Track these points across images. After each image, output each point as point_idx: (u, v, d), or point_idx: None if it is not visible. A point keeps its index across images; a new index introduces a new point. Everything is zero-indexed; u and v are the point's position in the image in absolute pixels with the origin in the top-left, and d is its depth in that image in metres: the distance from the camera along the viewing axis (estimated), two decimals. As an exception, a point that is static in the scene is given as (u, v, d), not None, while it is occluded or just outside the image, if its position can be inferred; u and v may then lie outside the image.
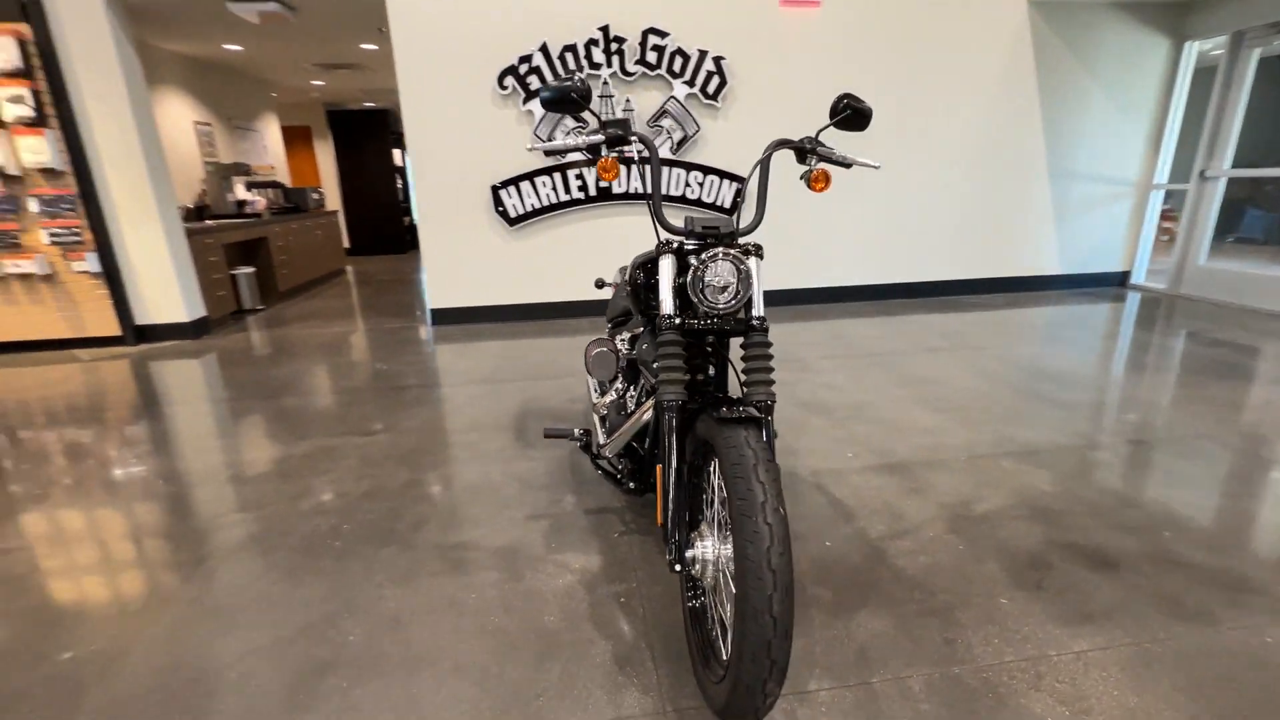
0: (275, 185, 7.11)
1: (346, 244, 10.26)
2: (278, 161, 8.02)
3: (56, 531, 2.11)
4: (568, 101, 1.53)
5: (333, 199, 10.01)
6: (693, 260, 1.45)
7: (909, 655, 1.48)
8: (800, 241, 5.27)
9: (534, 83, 4.54)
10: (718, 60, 4.66)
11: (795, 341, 4.25)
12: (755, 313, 1.50)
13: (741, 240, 1.62)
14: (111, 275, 4.46)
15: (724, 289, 1.44)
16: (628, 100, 4.66)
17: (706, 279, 1.44)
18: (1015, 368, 3.58)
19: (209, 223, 5.50)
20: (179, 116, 5.97)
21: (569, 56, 4.52)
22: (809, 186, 1.68)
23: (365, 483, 2.41)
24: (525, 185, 4.76)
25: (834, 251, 5.36)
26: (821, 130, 1.84)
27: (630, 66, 4.58)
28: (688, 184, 4.93)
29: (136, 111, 4.26)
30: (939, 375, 3.49)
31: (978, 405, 3.04)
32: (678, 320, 1.47)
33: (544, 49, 4.47)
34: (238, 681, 1.45)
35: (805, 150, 1.70)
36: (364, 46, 5.94)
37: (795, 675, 1.42)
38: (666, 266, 1.49)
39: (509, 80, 4.51)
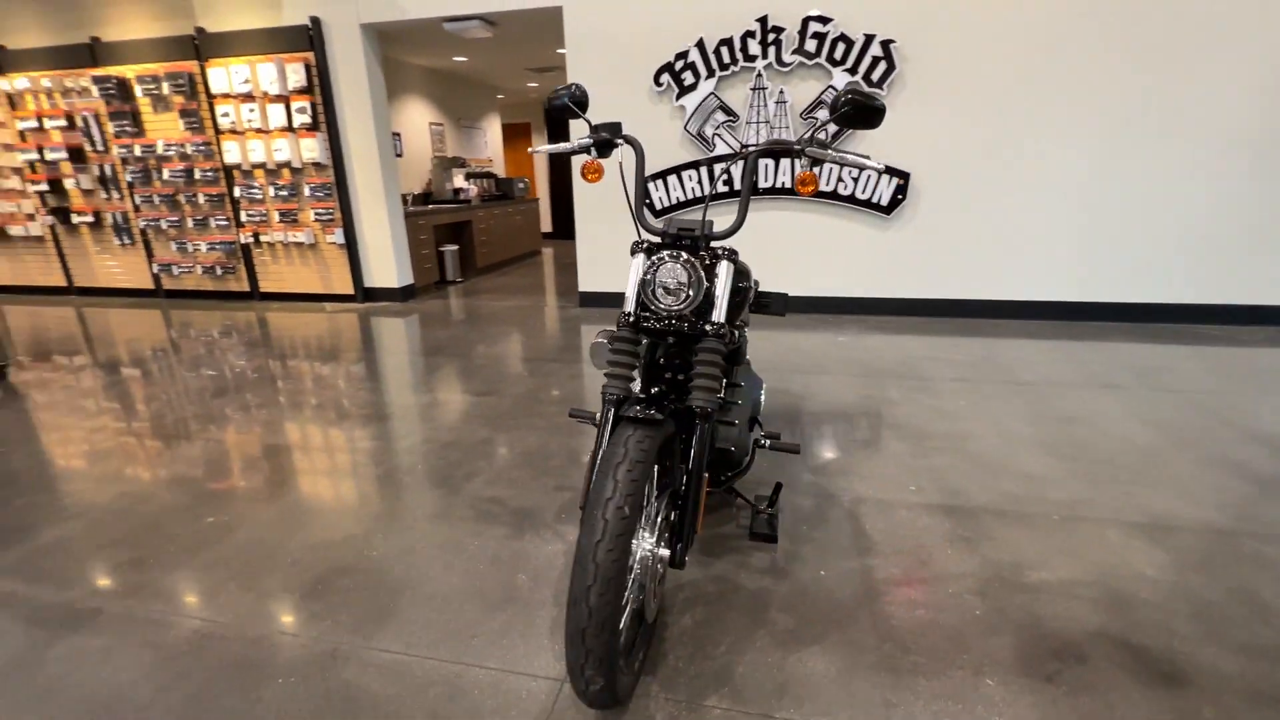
0: (489, 175, 8.27)
1: (549, 228, 11.46)
2: (496, 155, 9.28)
3: (266, 423, 2.88)
4: (566, 108, 1.65)
5: (543, 188, 11.24)
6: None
7: (833, 704, 1.37)
8: (969, 247, 4.62)
9: (688, 79, 4.65)
10: (886, 45, 4.28)
11: (929, 357, 3.80)
12: (714, 318, 1.49)
13: (716, 244, 1.59)
14: (351, 247, 5.68)
15: (673, 291, 1.46)
16: (781, 92, 4.53)
17: (656, 280, 1.47)
18: (1212, 420, 2.79)
19: (425, 207, 6.66)
20: (418, 118, 7.28)
21: (724, 50, 4.53)
22: (795, 189, 1.58)
23: (453, 434, 2.83)
24: (671, 179, 4.91)
25: (1014, 261, 4.60)
26: (818, 128, 1.70)
27: (787, 57, 4.44)
28: (840, 179, 4.64)
29: (376, 118, 5.33)
30: (1092, 416, 2.87)
31: (1122, 460, 2.46)
32: (632, 319, 1.52)
33: (700, 44, 4.54)
34: (288, 566, 1.89)
35: (794, 152, 1.60)
36: (560, 51, 6.59)
37: (703, 687, 1.41)
38: (635, 266, 1.55)
39: (664, 77, 4.68)
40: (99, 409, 3.25)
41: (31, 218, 6.28)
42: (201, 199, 5.75)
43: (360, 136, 5.37)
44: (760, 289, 3.05)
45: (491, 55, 6.76)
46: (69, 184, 5.99)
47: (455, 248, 6.86)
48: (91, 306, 5.98)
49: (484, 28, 5.19)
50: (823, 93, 4.46)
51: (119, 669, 1.51)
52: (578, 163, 5.08)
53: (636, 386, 1.70)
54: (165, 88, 5.45)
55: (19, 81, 5.78)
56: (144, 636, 1.62)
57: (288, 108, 5.29)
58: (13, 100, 5.89)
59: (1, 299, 6.51)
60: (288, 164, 5.46)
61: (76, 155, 5.91)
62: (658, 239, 1.57)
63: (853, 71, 4.38)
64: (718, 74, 4.59)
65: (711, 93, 4.64)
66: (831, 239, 4.83)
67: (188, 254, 6.01)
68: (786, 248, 4.92)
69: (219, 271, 5.98)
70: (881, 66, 4.34)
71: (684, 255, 1.47)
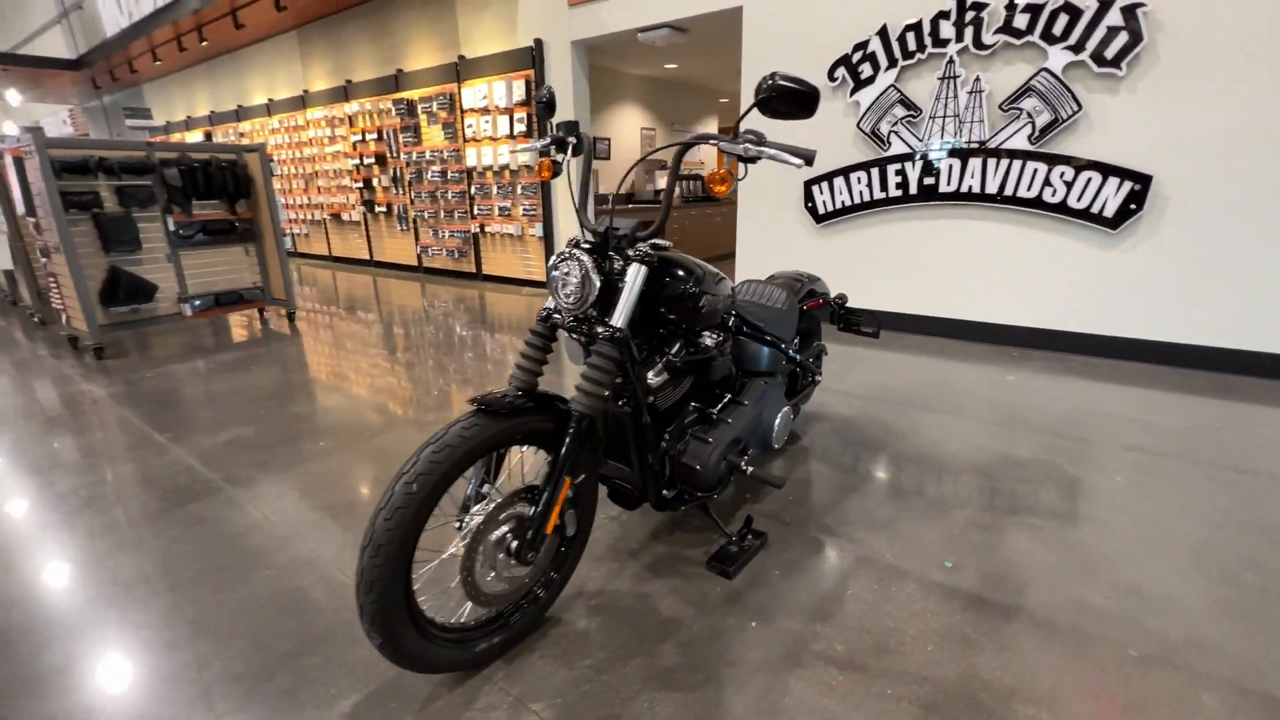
0: (695, 177, 8.53)
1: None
2: (708, 157, 9.49)
3: (456, 371, 3.55)
4: (542, 112, 1.72)
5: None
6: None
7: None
8: (1238, 278, 3.35)
9: (865, 71, 4.22)
10: (1131, 10, 3.32)
11: (1119, 415, 2.90)
12: (611, 320, 1.45)
13: (643, 246, 1.52)
14: (547, 239, 6.43)
15: (568, 288, 1.46)
16: (977, 80, 3.83)
17: (555, 275, 1.48)
18: None
19: (625, 206, 7.16)
20: (630, 123, 7.84)
21: (910, 37, 4.00)
22: (707, 189, 1.43)
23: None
24: (839, 181, 4.52)
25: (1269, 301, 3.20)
26: (741, 117, 1.48)
27: (988, 38, 3.74)
28: (1047, 182, 3.75)
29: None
30: (1332, 538, 1.93)
31: (1332, 607, 1.63)
32: (544, 314, 1.55)
33: (882, 32, 4.08)
34: (355, 488, 2.34)
35: (705, 143, 1.45)
36: (767, 51, 6.48)
37: (541, 691, 1.40)
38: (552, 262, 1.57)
39: (839, 71, 4.32)
40: (350, 348, 4.31)
41: (354, 208, 8.43)
42: (450, 195, 7.07)
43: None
44: (847, 305, 2.71)
45: (699, 60, 6.95)
46: (375, 183, 7.90)
47: (645, 245, 7.27)
48: (380, 276, 7.82)
49: (674, 34, 5.39)
50: (1033, 77, 3.65)
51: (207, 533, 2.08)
52: (817, 159, 4.95)
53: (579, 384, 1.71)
54: (435, 106, 6.82)
55: (352, 106, 7.80)
56: (224, 516, 2.18)
57: (510, 119, 6.20)
58: (351, 120, 7.97)
59: (332, 266, 8.88)
60: (506, 166, 6.41)
61: (381, 161, 7.76)
62: (579, 237, 1.57)
63: (1077, 49, 3.50)
64: (900, 64, 4.08)
65: (891, 85, 4.14)
66: (1030, 257, 3.95)
67: (439, 239, 7.45)
68: (967, 264, 4.17)
69: (456, 255, 7.29)
70: (1120, 39, 3.39)
71: (576, 253, 1.45)
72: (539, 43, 5.84)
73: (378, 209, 8.04)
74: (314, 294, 6.68)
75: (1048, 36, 3.58)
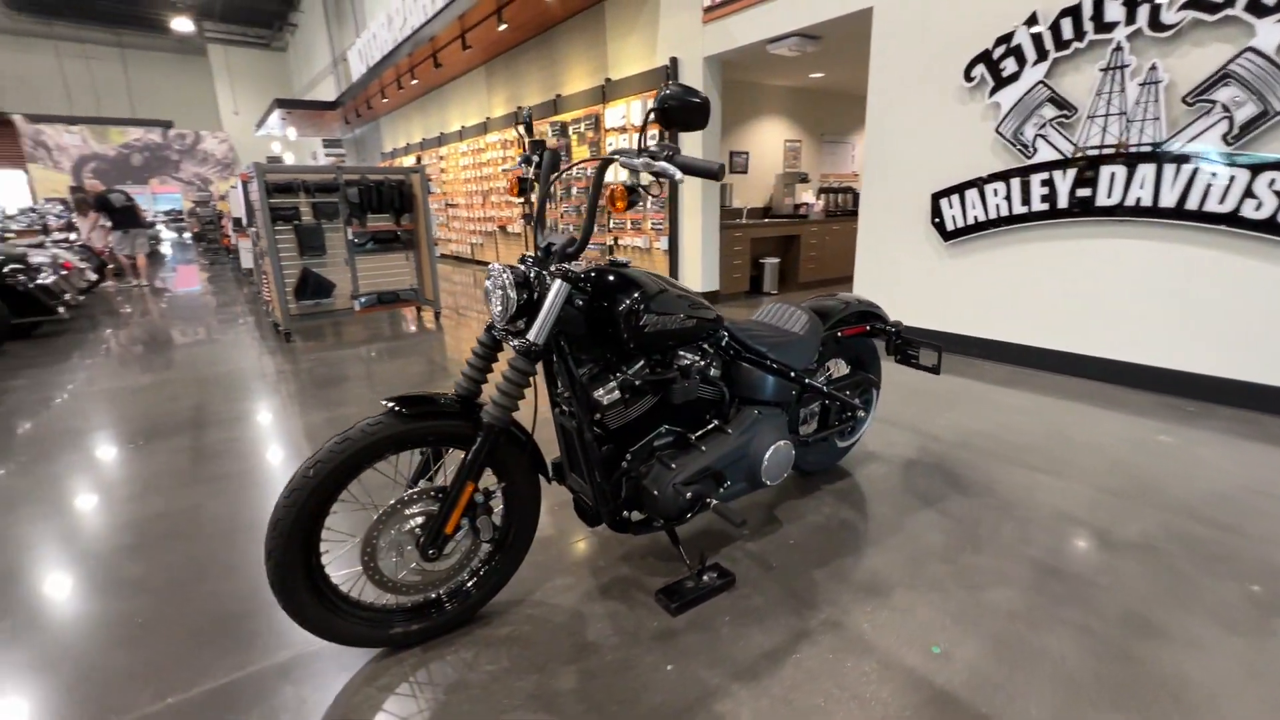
0: (847, 190, 8.02)
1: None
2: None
3: (480, 382, 3.88)
4: (525, 126, 1.80)
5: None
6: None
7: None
8: None
9: (1008, 68, 3.65)
10: (1388, -39, 2.47)
11: (1311, 507, 2.16)
12: (529, 335, 1.47)
13: (571, 263, 1.51)
14: (672, 253, 6.52)
15: (493, 302, 1.51)
16: (1152, 68, 3.12)
17: (487, 288, 1.54)
18: None
19: (761, 221, 7.00)
20: (772, 136, 7.62)
21: (1065, 23, 3.38)
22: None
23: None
24: (971, 193, 3.96)
25: None
26: (643, 131, 1.40)
27: (1169, 16, 3.03)
28: (1249, 193, 2.92)
29: (705, 142, 5.95)
30: None
31: None
32: (489, 326, 1.62)
33: (1031, 20, 3.51)
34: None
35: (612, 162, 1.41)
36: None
37: (435, 683, 1.47)
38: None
39: (978, 69, 3.80)
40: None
41: (515, 221, 9.34)
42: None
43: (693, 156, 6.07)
44: (904, 334, 2.38)
45: (845, 67, 6.54)
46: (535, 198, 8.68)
47: (776, 260, 7.02)
48: (528, 283, 8.56)
49: (805, 43, 5.16)
50: (1232, 60, 2.88)
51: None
52: (947, 169, 4.55)
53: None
54: (582, 126, 7.31)
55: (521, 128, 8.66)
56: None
57: (643, 136, 6.40)
58: (519, 142, 8.85)
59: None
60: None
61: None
62: (530, 254, 1.61)
63: (1300, 19, 2.69)
64: (1051, 56, 3.47)
65: (1040, 81, 3.54)
66: (1221, 287, 3.10)
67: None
68: (1133, 294, 3.39)
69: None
70: (1369, 2, 2.53)
71: (498, 267, 1.49)
72: (673, 61, 5.97)
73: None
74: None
75: (1255, 7, 2.80)
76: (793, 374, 2.04)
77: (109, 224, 8.04)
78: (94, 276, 7.46)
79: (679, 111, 1.30)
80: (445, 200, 11.65)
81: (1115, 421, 2.99)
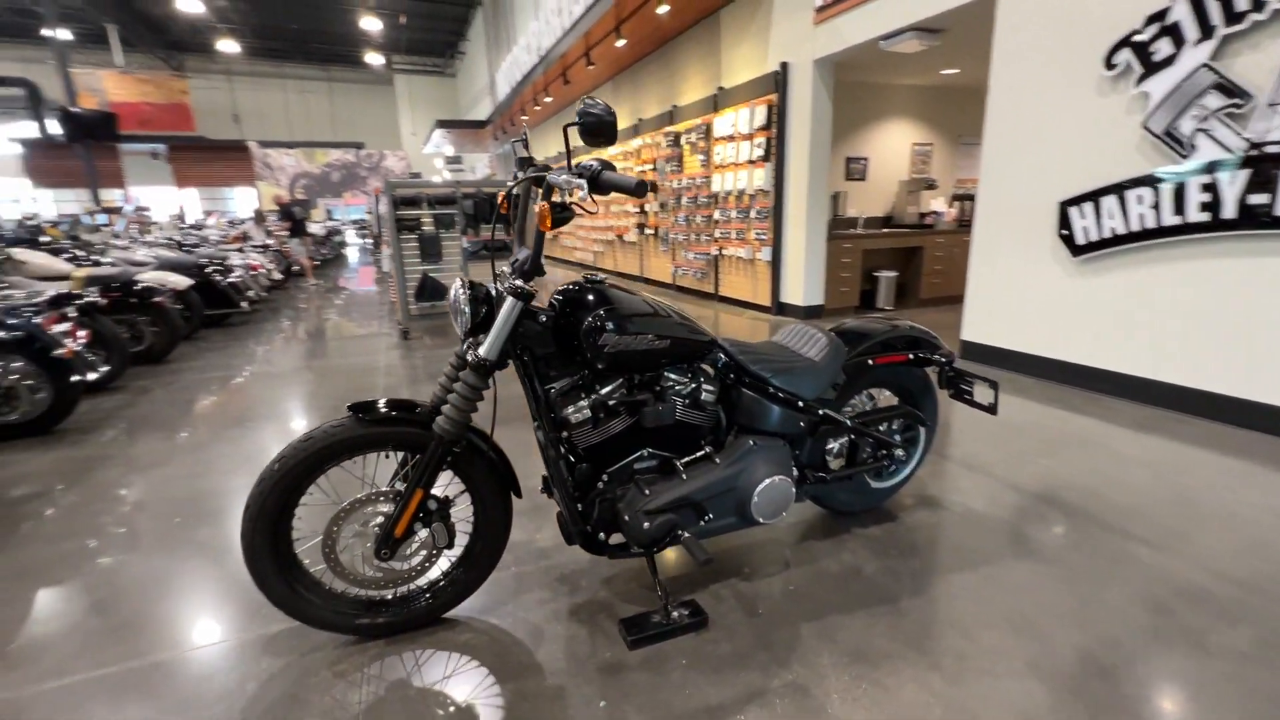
0: (967, 197, 7.18)
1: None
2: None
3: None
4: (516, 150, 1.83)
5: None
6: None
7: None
8: None
9: (1160, 50, 3.05)
10: None
11: None
12: (480, 350, 1.50)
13: (529, 281, 1.51)
14: (775, 264, 6.27)
15: (454, 316, 1.56)
16: (1362, 40, 2.42)
17: (448, 301, 1.59)
18: None
19: (879, 230, 6.51)
20: (897, 140, 7.02)
21: (1238, -9, 2.75)
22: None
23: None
24: (1108, 201, 3.35)
25: None
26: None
27: (1390, -30, 2.34)
28: None
29: (814, 146, 5.66)
30: None
31: None
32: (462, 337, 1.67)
33: (1193, -8, 2.90)
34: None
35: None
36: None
37: (380, 679, 1.54)
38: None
39: (1122, 55, 3.21)
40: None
41: (630, 230, 9.55)
42: (699, 219, 7.46)
43: (800, 164, 5.80)
44: (956, 366, 2.07)
45: (985, 61, 5.85)
46: (647, 208, 8.82)
47: (893, 274, 6.47)
48: (646, 290, 8.71)
49: (925, 38, 4.70)
50: None
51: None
52: (1078, 174, 4.03)
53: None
54: (694, 136, 7.29)
55: (637, 141, 8.84)
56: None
57: (750, 144, 6.24)
58: (639, 153, 9.03)
59: (615, 280, 10.19)
60: (743, 191, 6.46)
61: (653, 188, 8.61)
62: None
63: None
64: (1219, 32, 2.83)
65: (1203, 65, 2.91)
66: None
67: (688, 260, 7.92)
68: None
69: (700, 275, 7.65)
70: None
71: (457, 284, 1.52)
72: (784, 66, 5.75)
73: (646, 231, 8.94)
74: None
75: None
76: (801, 403, 1.86)
77: (287, 232, 9.50)
78: (279, 276, 8.85)
79: (593, 125, 1.26)
80: (573, 210, 12.23)
81: (1271, 489, 2.36)
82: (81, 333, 3.58)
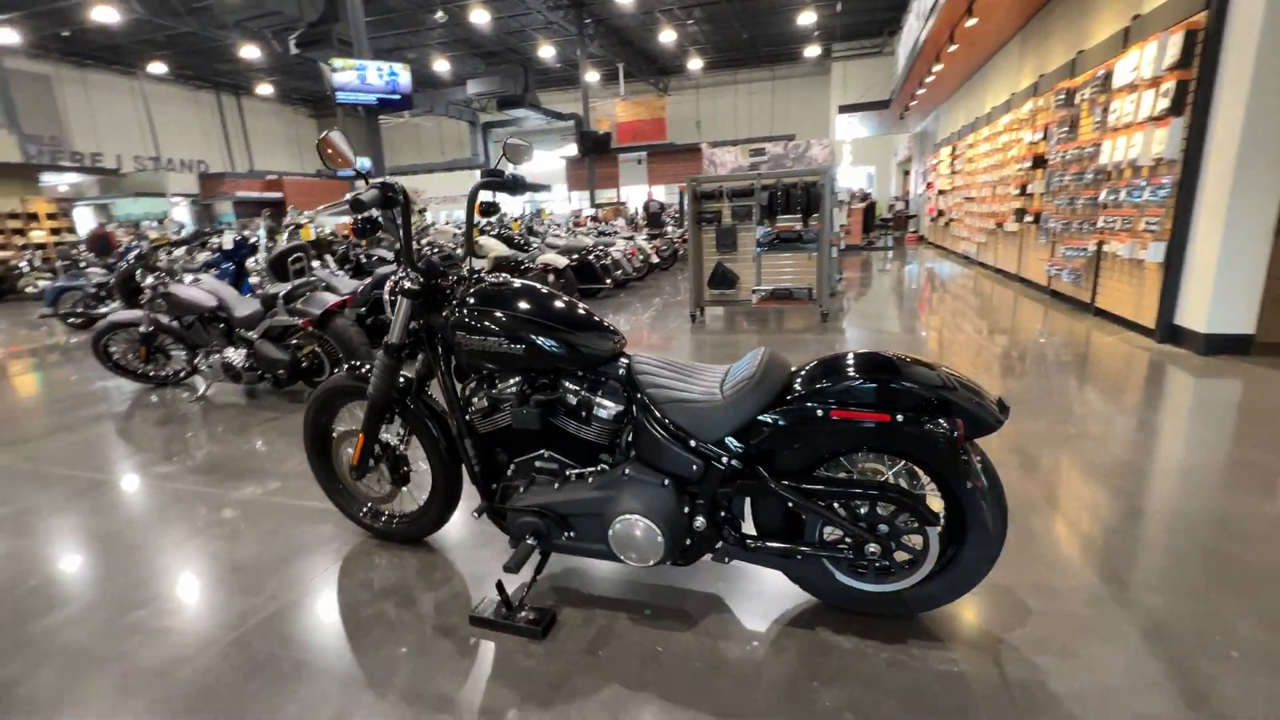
0: None
1: None
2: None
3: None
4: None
5: None
6: None
7: None
8: None
9: None
10: None
11: None
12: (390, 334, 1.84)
13: (440, 279, 1.75)
14: (1171, 267, 4.25)
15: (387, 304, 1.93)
16: None
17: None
18: None
19: None
20: None
21: None
22: None
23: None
24: None
25: None
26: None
27: None
28: None
29: (1260, 92, 3.58)
30: None
31: None
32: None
33: None
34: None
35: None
36: None
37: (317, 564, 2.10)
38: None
39: None
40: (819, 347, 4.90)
41: (1009, 216, 7.67)
42: (1080, 202, 5.54)
43: (1234, 115, 3.75)
44: (953, 446, 1.30)
45: None
46: (1029, 188, 6.95)
47: None
48: (1010, 291, 7.06)
49: None
50: None
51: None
52: None
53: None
54: (1088, 91, 5.39)
55: (1029, 106, 6.97)
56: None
57: (1156, 93, 4.29)
58: (1035, 118, 7.12)
59: (993, 278, 8.42)
60: (1135, 161, 4.51)
61: (1040, 163, 6.72)
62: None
63: None
64: None
65: None
66: None
67: (1063, 258, 5.99)
68: None
69: (1073, 278, 5.71)
70: None
71: (388, 283, 1.85)
72: (1227, -36, 3.75)
73: (1026, 218, 7.07)
74: (892, 301, 6.88)
75: None
76: (693, 443, 1.54)
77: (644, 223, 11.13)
78: (655, 260, 10.59)
79: (512, 150, 1.48)
80: (963, 194, 10.47)
81: None
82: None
